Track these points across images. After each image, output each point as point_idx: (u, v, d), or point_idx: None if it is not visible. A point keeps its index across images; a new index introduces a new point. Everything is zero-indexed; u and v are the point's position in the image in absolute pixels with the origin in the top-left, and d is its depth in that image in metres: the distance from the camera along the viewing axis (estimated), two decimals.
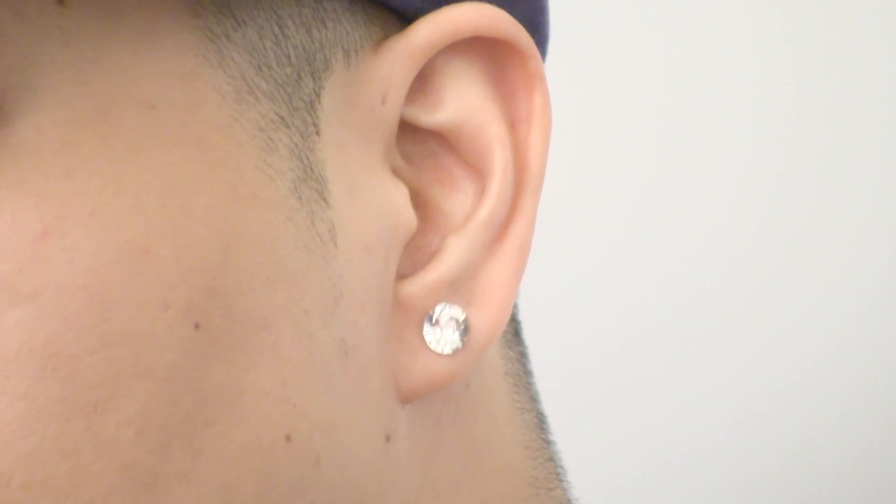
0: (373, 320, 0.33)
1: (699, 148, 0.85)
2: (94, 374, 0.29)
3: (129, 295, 0.29)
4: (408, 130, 0.34)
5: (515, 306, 0.39)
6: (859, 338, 0.86)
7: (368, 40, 0.33)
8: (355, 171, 0.33)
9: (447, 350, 0.34)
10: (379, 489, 0.33)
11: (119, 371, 0.29)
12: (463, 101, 0.34)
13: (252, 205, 0.31)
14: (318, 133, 0.32)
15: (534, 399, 0.39)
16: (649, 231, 0.85)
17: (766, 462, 0.86)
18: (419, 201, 0.34)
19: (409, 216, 0.33)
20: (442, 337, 0.34)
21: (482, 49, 0.34)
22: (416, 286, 0.33)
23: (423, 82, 0.34)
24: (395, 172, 0.34)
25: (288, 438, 0.31)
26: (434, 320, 0.34)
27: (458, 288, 0.34)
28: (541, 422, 0.39)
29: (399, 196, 0.33)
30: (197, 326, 0.30)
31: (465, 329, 0.34)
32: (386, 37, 0.33)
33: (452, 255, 0.33)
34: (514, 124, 0.34)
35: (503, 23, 0.33)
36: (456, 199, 0.34)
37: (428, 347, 0.34)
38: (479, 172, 0.34)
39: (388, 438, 0.33)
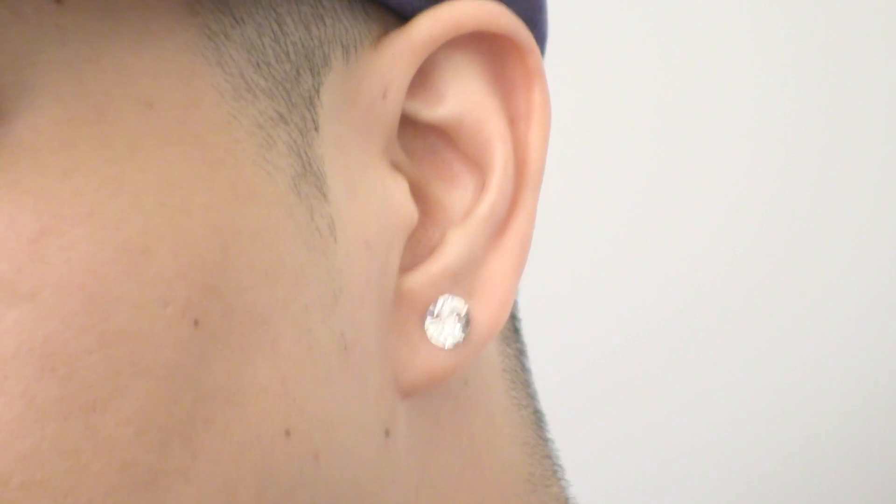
0: (372, 315, 0.33)
1: (699, 146, 0.85)
2: (93, 374, 0.29)
3: (128, 294, 0.29)
4: (408, 125, 0.34)
5: (515, 304, 0.39)
6: (859, 338, 0.86)
7: (368, 36, 0.33)
8: (354, 166, 0.33)
9: (448, 343, 0.34)
10: (378, 485, 0.33)
11: (118, 370, 0.29)
12: (464, 96, 0.34)
13: (251, 201, 0.31)
14: (316, 129, 0.32)
15: (531, 396, 0.39)
16: (649, 230, 0.85)
17: (766, 462, 0.86)
18: (419, 195, 0.34)
19: (409, 209, 0.33)
20: (443, 330, 0.34)
21: (482, 44, 0.34)
22: (418, 278, 0.34)
23: (423, 77, 0.34)
24: (396, 167, 0.34)
25: (287, 434, 0.31)
26: (436, 313, 0.34)
27: (461, 280, 0.34)
28: (538, 419, 0.39)
29: (399, 190, 0.33)
30: (196, 324, 0.30)
31: (467, 322, 0.34)
32: (385, 32, 0.33)
33: (455, 246, 0.34)
34: (513, 120, 0.35)
35: (503, 18, 0.34)
36: (456, 193, 0.34)
37: (429, 340, 0.34)
38: (479, 167, 0.34)
39: (387, 433, 0.33)
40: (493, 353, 0.38)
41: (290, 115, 0.32)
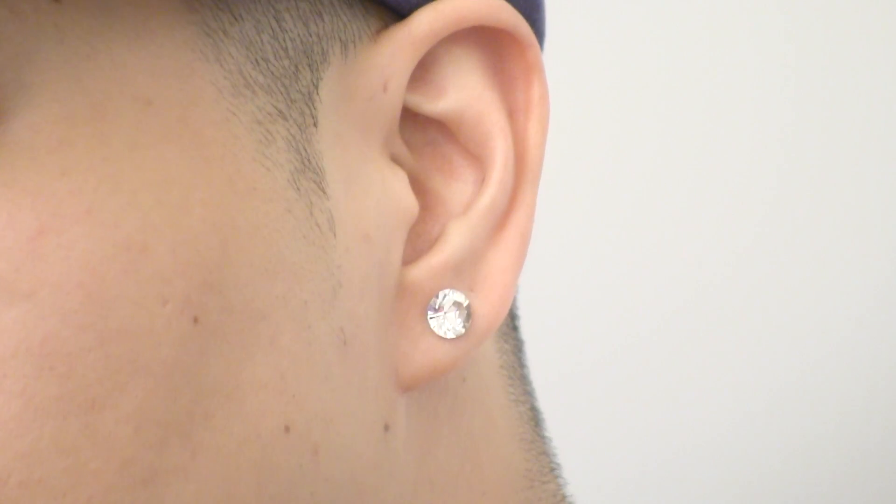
0: (372, 309, 0.33)
1: (700, 143, 0.85)
2: (92, 372, 0.29)
3: (127, 291, 0.29)
4: (408, 119, 0.34)
5: (514, 299, 0.39)
6: (859, 338, 0.85)
7: (366, 32, 0.33)
8: (353, 160, 0.33)
9: (449, 336, 0.34)
10: (377, 480, 0.33)
11: (117, 368, 0.29)
12: (464, 89, 0.34)
13: (250, 197, 0.31)
14: (315, 125, 0.32)
15: (528, 393, 0.39)
16: (648, 226, 0.85)
17: (766, 462, 0.86)
18: (419, 189, 0.34)
19: (410, 202, 0.33)
20: (444, 322, 0.34)
21: (481, 39, 0.34)
22: (420, 270, 0.34)
23: (423, 71, 0.34)
24: (397, 159, 0.34)
25: (286, 430, 0.31)
26: (437, 306, 0.34)
27: (462, 273, 0.34)
28: (535, 416, 0.39)
29: (399, 183, 0.33)
30: (195, 321, 0.30)
31: (468, 315, 0.34)
32: (385, 27, 0.33)
33: (455, 239, 0.34)
34: (512, 114, 0.35)
35: (504, 13, 0.34)
36: (456, 186, 0.34)
37: (429, 334, 0.34)
38: (479, 161, 0.34)
39: (386, 428, 0.33)
40: (490, 350, 0.38)
41: (289, 111, 0.32)
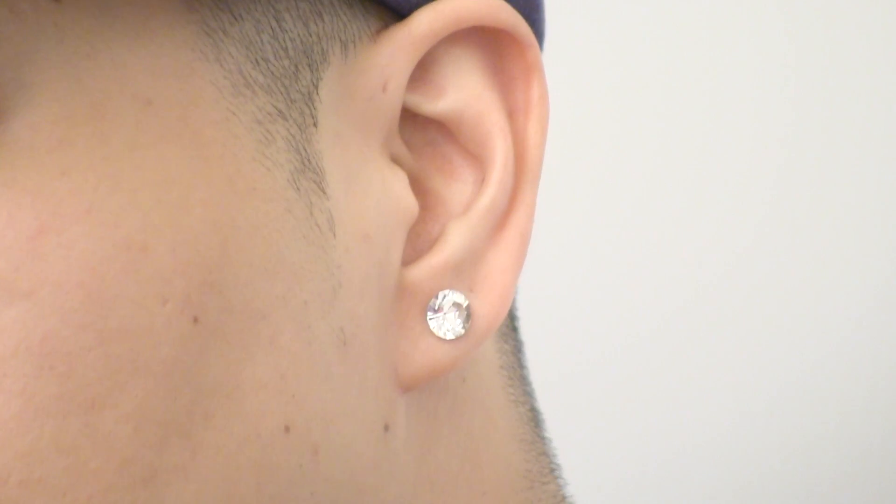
0: (372, 309, 0.33)
1: (700, 143, 0.85)
2: (92, 371, 0.29)
3: (127, 291, 0.29)
4: (408, 119, 0.34)
5: (514, 300, 0.39)
6: (859, 338, 0.85)
7: (366, 32, 0.33)
8: (353, 160, 0.33)
9: (449, 336, 0.34)
10: (377, 480, 0.33)
11: (117, 367, 0.29)
12: (464, 89, 0.34)
13: (250, 197, 0.31)
14: (315, 125, 0.32)
15: (528, 393, 0.39)
16: (649, 228, 0.85)
17: (766, 462, 0.86)
18: (419, 189, 0.34)
19: (410, 202, 0.33)
20: (444, 323, 0.34)
21: (481, 39, 0.34)
22: (420, 270, 0.34)
23: (423, 71, 0.34)
24: (397, 159, 0.34)
25: (286, 429, 0.31)
26: (437, 307, 0.34)
27: (462, 273, 0.34)
28: (535, 416, 0.39)
29: (398, 183, 0.33)
30: (195, 320, 0.30)
31: (468, 315, 0.34)
32: (385, 27, 0.33)
33: (456, 238, 0.34)
34: (511, 114, 0.35)
35: (503, 13, 0.34)
36: (455, 187, 0.34)
37: (429, 334, 0.34)
38: (479, 161, 0.34)
39: (386, 428, 0.33)
40: (490, 350, 0.38)
41: (289, 111, 0.32)
